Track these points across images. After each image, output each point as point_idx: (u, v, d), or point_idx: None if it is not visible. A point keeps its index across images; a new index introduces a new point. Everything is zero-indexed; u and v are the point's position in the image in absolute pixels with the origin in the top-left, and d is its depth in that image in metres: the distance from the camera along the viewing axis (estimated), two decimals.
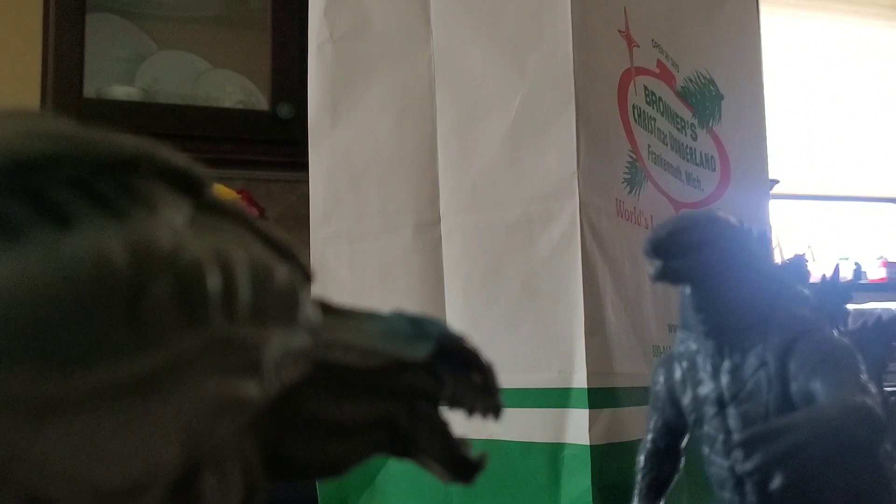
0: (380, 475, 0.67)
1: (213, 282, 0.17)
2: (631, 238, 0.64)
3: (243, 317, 0.18)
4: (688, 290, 0.39)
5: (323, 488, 0.69)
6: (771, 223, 0.85)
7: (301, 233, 0.76)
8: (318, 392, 0.23)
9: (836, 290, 0.44)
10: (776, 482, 0.33)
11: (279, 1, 1.66)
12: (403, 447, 0.26)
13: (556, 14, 0.62)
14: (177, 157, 0.19)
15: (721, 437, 0.40)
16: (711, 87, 0.79)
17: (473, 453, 0.28)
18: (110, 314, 0.15)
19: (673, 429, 0.44)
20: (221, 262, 0.17)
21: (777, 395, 0.38)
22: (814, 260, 2.52)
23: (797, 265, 0.43)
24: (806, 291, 0.42)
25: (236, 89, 1.74)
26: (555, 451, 0.58)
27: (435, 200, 0.67)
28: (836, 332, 0.42)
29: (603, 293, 0.60)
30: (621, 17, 0.68)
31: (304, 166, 0.73)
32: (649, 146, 0.69)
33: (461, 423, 0.57)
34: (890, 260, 2.52)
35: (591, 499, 0.56)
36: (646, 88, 0.70)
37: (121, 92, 1.64)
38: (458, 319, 0.64)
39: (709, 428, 0.41)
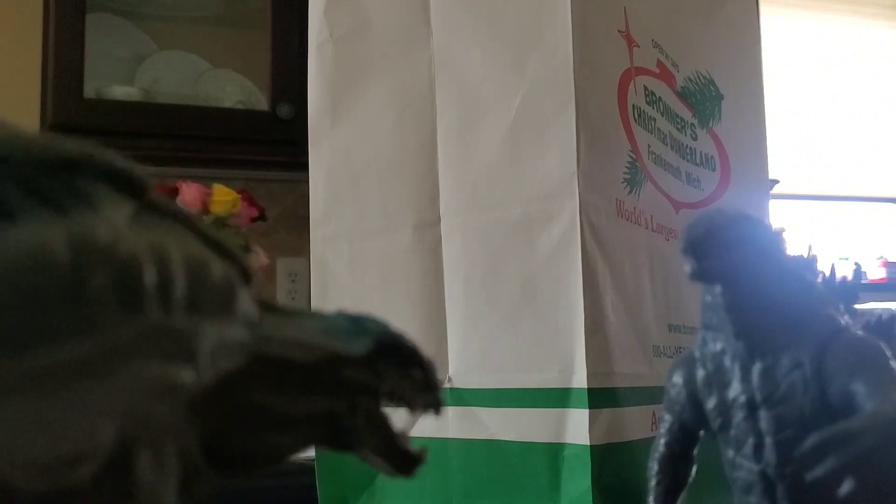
0: (380, 475, 0.67)
1: (150, 274, 0.18)
2: (631, 238, 0.64)
3: (178, 308, 0.19)
4: (718, 289, 0.39)
5: (323, 488, 0.69)
6: (771, 223, 0.85)
7: (301, 233, 0.76)
8: (258, 385, 0.24)
9: (845, 290, 0.44)
10: (846, 487, 0.32)
11: (279, 1, 1.66)
12: (344, 440, 0.26)
13: (556, 14, 0.62)
14: (119, 160, 0.20)
15: (751, 440, 0.39)
16: (711, 87, 0.79)
17: (414, 448, 0.28)
18: (50, 302, 0.17)
19: (689, 433, 0.43)
20: (158, 256, 0.19)
21: (813, 396, 0.37)
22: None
23: (811, 264, 0.42)
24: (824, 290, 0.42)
25: (236, 89, 1.74)
26: (555, 452, 0.58)
27: (435, 200, 0.67)
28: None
29: (603, 293, 0.60)
30: (621, 17, 0.68)
31: (304, 166, 0.73)
32: (649, 146, 0.69)
33: (465, 424, 0.57)
34: (890, 260, 2.53)
35: (591, 499, 0.56)
36: (646, 88, 0.70)
37: (121, 92, 1.64)
38: (458, 319, 0.65)
39: (736, 431, 0.40)
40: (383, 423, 0.27)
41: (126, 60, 1.72)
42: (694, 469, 0.44)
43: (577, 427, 0.57)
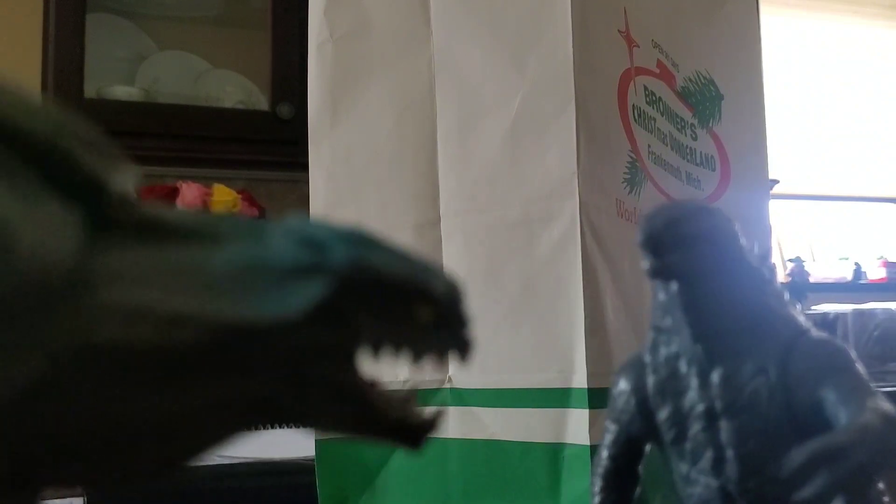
0: (380, 475, 0.67)
1: None
2: (631, 238, 0.64)
3: None
4: (674, 287, 0.36)
5: (323, 488, 0.69)
6: (771, 223, 0.85)
7: None
8: (91, 389, 0.16)
9: (794, 289, 0.42)
10: None
11: (279, 1, 1.66)
12: (290, 421, 0.19)
13: (556, 14, 0.62)
14: None
15: (710, 453, 0.36)
16: (711, 88, 0.79)
17: (416, 413, 0.20)
18: None
19: (635, 446, 0.39)
20: None
21: (779, 405, 0.34)
22: (814, 260, 2.52)
23: (766, 261, 0.39)
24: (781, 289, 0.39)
25: (236, 89, 1.74)
26: (555, 452, 0.58)
27: (435, 200, 0.67)
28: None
29: (603, 293, 0.60)
30: (621, 17, 0.68)
31: (304, 166, 0.73)
32: (649, 146, 0.69)
33: (465, 424, 0.55)
34: (890, 260, 2.52)
35: (591, 499, 0.56)
36: (646, 88, 0.70)
37: (121, 92, 1.64)
38: None
39: (692, 444, 0.36)
40: (355, 393, 0.19)
41: (126, 60, 1.72)
42: (640, 484, 0.40)
43: (577, 427, 0.57)
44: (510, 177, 0.63)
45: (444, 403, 0.64)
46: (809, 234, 2.60)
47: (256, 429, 0.19)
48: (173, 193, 1.39)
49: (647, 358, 0.38)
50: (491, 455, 0.61)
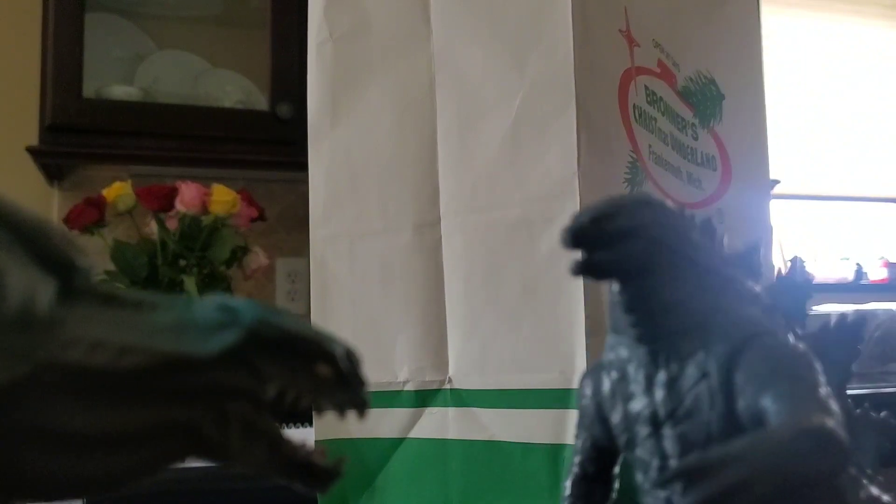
0: (380, 475, 0.67)
1: None
2: None
3: None
4: (615, 287, 0.34)
5: None
6: (772, 223, 0.85)
7: (301, 233, 0.76)
8: (49, 399, 0.20)
9: (794, 288, 0.38)
10: None
11: (279, 1, 1.66)
12: (213, 453, 0.22)
13: (556, 14, 0.62)
14: None
15: (656, 462, 0.34)
16: (712, 87, 0.79)
17: (322, 460, 0.23)
18: None
19: (603, 451, 0.37)
20: None
21: (720, 412, 0.32)
22: (815, 260, 2.52)
23: (747, 258, 0.36)
24: (757, 288, 0.36)
25: (236, 89, 1.74)
26: (556, 453, 0.58)
27: (435, 200, 0.67)
28: (792, 336, 0.35)
29: (603, 293, 0.59)
30: (622, 16, 0.68)
31: (304, 166, 0.73)
32: (650, 146, 0.68)
33: (465, 425, 0.55)
34: (891, 260, 2.53)
35: None
36: (647, 88, 0.70)
37: (120, 92, 1.64)
38: (458, 320, 0.64)
39: (642, 451, 0.34)
40: (268, 433, 0.23)
41: (125, 60, 1.72)
42: (614, 491, 0.38)
43: None
44: (510, 177, 0.62)
45: (445, 404, 0.64)
46: (809, 234, 2.60)
47: (186, 457, 0.22)
48: (172, 193, 1.38)
49: (605, 361, 0.36)
50: (491, 456, 0.61)
